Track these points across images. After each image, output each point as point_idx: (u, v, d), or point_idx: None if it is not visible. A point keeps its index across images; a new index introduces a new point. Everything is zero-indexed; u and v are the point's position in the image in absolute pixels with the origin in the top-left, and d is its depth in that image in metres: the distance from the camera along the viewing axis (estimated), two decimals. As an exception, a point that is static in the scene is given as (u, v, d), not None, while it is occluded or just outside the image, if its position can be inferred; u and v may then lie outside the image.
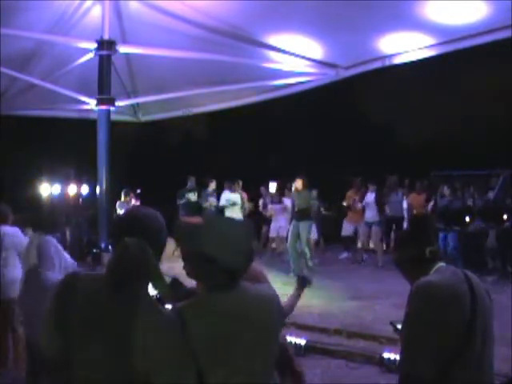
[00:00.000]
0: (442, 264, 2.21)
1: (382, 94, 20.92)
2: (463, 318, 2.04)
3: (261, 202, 13.06)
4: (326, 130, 21.32)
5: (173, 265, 11.00)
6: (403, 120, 21.49)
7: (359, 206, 11.85)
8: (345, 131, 21.19)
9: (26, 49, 11.89)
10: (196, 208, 11.87)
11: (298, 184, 10.20)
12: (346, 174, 14.54)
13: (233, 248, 1.81)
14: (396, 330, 2.42)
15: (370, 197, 11.59)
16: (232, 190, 11.82)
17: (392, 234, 12.00)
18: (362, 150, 20.20)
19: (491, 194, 10.72)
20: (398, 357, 4.95)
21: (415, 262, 2.22)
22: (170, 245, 11.21)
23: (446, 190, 10.58)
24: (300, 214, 10.03)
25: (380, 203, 11.49)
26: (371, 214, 11.45)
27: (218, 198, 12.20)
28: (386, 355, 5.04)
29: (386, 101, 21.10)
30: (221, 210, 11.81)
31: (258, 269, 3.01)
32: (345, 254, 12.35)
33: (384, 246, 11.84)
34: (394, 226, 11.78)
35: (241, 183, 12.07)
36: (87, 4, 11.12)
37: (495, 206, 10.08)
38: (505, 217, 9.65)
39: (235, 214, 11.58)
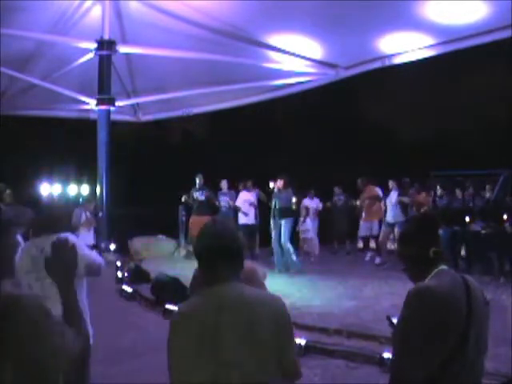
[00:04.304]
0: (443, 267, 2.20)
1: (382, 94, 20.95)
2: (457, 327, 2.04)
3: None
4: (325, 129, 21.34)
5: (173, 265, 11.02)
6: (403, 120, 21.50)
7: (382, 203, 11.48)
8: (345, 131, 21.21)
9: (26, 49, 11.90)
10: (205, 208, 11.51)
11: (279, 184, 10.17)
12: (346, 174, 14.53)
13: (205, 237, 1.99)
14: (391, 324, 2.44)
15: (393, 195, 11.06)
16: (248, 190, 11.65)
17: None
18: (361, 150, 20.22)
19: (491, 194, 10.69)
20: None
21: (418, 260, 2.22)
22: (170, 245, 11.24)
23: (439, 190, 10.41)
24: (282, 213, 10.03)
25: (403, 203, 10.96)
26: (393, 214, 10.88)
27: (234, 197, 11.94)
28: (385, 355, 5.03)
29: (385, 101, 21.12)
30: (236, 211, 11.60)
31: (250, 266, 3.03)
32: (369, 255, 11.86)
33: None
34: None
35: (252, 182, 11.87)
36: (87, 4, 11.15)
37: (495, 205, 10.07)
38: (505, 217, 9.63)
39: (250, 213, 11.46)
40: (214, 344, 1.76)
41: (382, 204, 11.41)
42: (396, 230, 10.69)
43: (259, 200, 11.60)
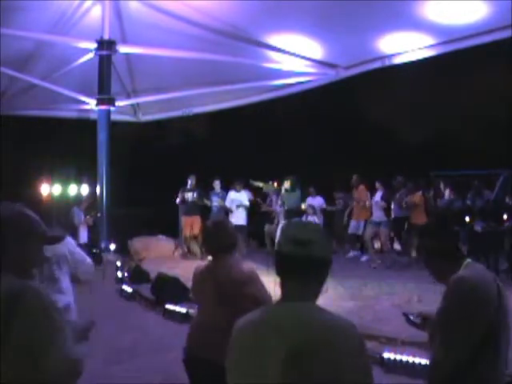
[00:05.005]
0: (469, 260, 2.25)
1: (382, 94, 20.93)
2: (489, 316, 2.10)
3: (268, 200, 12.95)
4: (325, 129, 21.33)
5: (173, 265, 11.02)
6: (403, 120, 21.48)
7: (367, 203, 11.68)
8: (345, 131, 21.19)
9: (26, 49, 11.91)
10: (195, 208, 11.70)
11: (286, 185, 10.17)
12: (346, 174, 14.50)
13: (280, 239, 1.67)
14: (408, 320, 2.46)
15: (378, 196, 11.38)
16: (236, 190, 11.73)
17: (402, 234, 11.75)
18: (361, 150, 20.20)
19: (491, 194, 10.69)
20: (398, 357, 4.98)
21: (448, 254, 2.24)
22: (170, 245, 11.29)
23: (447, 192, 10.50)
24: (290, 214, 10.03)
25: (387, 203, 11.21)
26: (378, 214, 11.19)
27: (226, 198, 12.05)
28: (385, 355, 5.04)
29: (386, 101, 21.11)
30: (227, 211, 11.67)
31: (249, 268, 3.04)
32: (351, 253, 12.11)
33: (389, 245, 11.66)
34: (400, 226, 11.50)
35: (242, 183, 11.97)
36: (87, 4, 11.15)
37: (495, 205, 10.07)
38: (505, 217, 9.63)
39: (240, 214, 11.49)
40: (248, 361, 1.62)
41: (369, 205, 11.67)
42: (382, 229, 10.97)
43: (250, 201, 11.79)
